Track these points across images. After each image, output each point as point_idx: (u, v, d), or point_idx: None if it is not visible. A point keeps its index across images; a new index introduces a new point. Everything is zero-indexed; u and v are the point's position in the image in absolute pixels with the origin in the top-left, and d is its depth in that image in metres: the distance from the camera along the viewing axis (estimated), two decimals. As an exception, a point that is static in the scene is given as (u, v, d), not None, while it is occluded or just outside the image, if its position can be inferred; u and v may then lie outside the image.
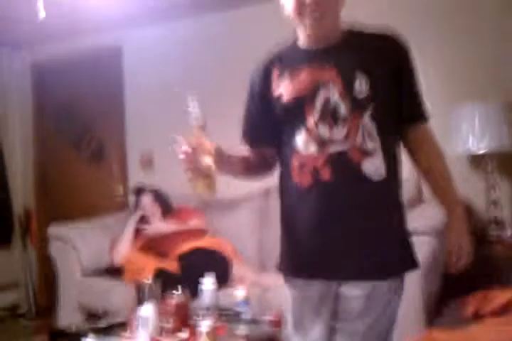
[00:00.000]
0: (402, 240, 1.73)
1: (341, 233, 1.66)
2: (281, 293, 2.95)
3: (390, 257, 1.68)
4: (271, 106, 1.74)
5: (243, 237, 3.77)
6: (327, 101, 1.64)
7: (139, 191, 4.02)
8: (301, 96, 1.66)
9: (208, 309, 2.43)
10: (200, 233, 3.66)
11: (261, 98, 1.78)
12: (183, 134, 1.72)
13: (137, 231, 3.76)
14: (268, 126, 1.77)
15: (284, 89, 1.70)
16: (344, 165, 1.63)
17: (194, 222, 3.78)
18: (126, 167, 4.63)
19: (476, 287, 2.62)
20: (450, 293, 2.66)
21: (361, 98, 1.62)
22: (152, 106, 4.50)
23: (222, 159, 1.75)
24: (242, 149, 1.87)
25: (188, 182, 1.70)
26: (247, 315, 2.46)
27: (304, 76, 1.67)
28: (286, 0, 1.67)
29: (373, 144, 1.62)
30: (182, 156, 1.68)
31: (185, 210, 3.93)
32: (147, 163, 4.53)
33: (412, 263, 1.73)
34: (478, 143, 3.19)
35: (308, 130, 1.65)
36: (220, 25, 4.23)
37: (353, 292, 1.68)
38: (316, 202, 1.66)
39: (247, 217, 3.84)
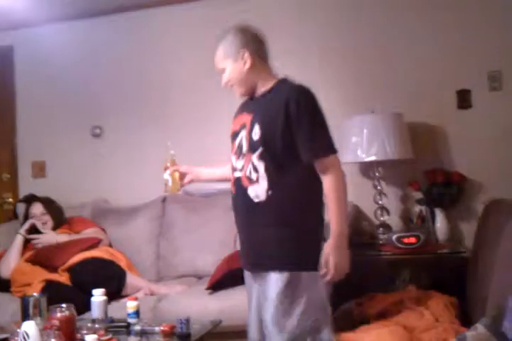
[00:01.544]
0: (279, 246, 2.11)
1: (242, 232, 2.25)
2: (176, 302, 2.98)
3: (266, 258, 2.13)
4: None
5: (140, 246, 3.71)
6: (241, 140, 2.19)
7: (30, 199, 3.86)
8: (233, 133, 2.27)
9: (95, 322, 2.37)
10: (93, 243, 3.53)
11: None
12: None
13: (27, 242, 3.60)
14: None
15: (232, 126, 2.31)
16: (239, 187, 2.18)
17: (87, 232, 3.67)
18: (16, 175, 4.44)
19: (365, 290, 2.72)
20: (341, 297, 2.74)
21: (254, 142, 2.11)
22: (45, 112, 4.35)
23: (194, 173, 2.49)
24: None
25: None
26: (137, 327, 2.40)
27: (240, 117, 2.25)
28: None
29: (256, 175, 2.11)
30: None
31: (78, 220, 3.81)
32: (39, 172, 4.36)
33: (281, 265, 2.09)
34: (366, 152, 3.31)
35: (231, 159, 2.26)
36: (112, 28, 4.21)
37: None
38: (234, 206, 2.27)
39: (145, 226, 3.78)
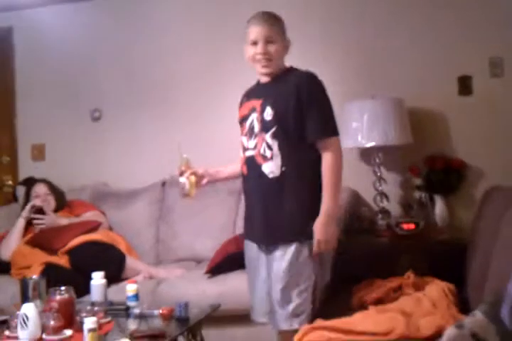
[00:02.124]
0: (291, 219, 2.27)
1: (256, 210, 2.36)
2: (175, 286, 2.99)
3: (279, 230, 2.29)
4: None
5: (140, 230, 3.72)
6: (252, 122, 2.33)
7: (31, 182, 3.86)
8: (242, 117, 2.41)
9: (94, 304, 2.38)
10: (93, 226, 3.54)
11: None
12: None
13: (28, 225, 3.60)
14: None
15: (239, 112, 2.47)
16: (253, 165, 2.33)
17: (87, 215, 3.67)
18: (16, 158, 4.43)
19: (363, 276, 2.73)
20: (340, 282, 2.75)
21: (267, 122, 2.27)
22: (45, 95, 4.33)
23: (210, 175, 2.50)
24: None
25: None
26: (136, 310, 2.42)
27: (248, 104, 2.40)
28: (245, 50, 2.36)
29: (271, 153, 2.26)
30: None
31: (78, 203, 3.81)
32: (39, 155, 4.36)
33: (296, 236, 2.26)
34: (366, 137, 3.30)
35: (242, 140, 2.40)
36: (114, 10, 4.19)
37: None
38: (244, 188, 2.45)
39: (144, 209, 3.79)
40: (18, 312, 2.21)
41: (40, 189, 3.74)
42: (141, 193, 3.84)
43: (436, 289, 2.30)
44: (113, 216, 3.76)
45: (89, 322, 2.07)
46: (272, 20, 2.34)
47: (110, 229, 3.69)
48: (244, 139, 2.37)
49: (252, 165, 2.33)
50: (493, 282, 1.85)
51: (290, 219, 2.28)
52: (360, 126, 3.33)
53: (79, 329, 2.16)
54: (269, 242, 2.32)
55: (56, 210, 3.70)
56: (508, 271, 1.63)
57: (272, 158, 2.26)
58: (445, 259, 2.86)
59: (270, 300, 2.31)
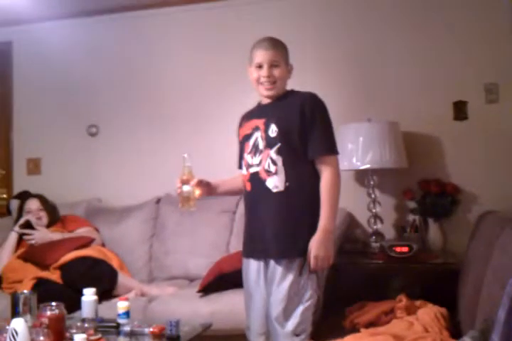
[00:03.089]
0: (294, 233, 2.31)
1: (258, 224, 2.38)
2: (167, 304, 2.98)
3: (283, 244, 2.31)
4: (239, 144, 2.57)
5: (133, 247, 3.71)
6: (256, 140, 2.39)
7: (25, 196, 3.86)
8: (244, 136, 2.47)
9: (85, 321, 2.36)
10: (86, 242, 3.53)
11: (238, 138, 2.59)
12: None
13: (20, 239, 3.59)
14: (241, 156, 2.54)
15: (240, 132, 2.53)
16: (257, 180, 2.38)
17: (80, 231, 3.67)
18: (11, 172, 4.43)
19: (355, 298, 2.73)
20: (332, 304, 2.75)
21: (272, 139, 2.34)
22: (42, 109, 4.35)
23: (208, 186, 2.51)
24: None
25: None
26: (127, 327, 2.40)
27: (249, 123, 2.46)
28: (250, 73, 2.45)
29: (275, 168, 2.32)
30: (177, 186, 2.41)
31: (71, 219, 3.81)
32: (34, 169, 4.36)
33: (295, 253, 2.28)
34: (361, 160, 3.33)
35: (245, 158, 2.45)
36: (111, 27, 4.24)
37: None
38: (247, 204, 2.48)
39: (138, 227, 3.78)
40: (7, 327, 2.19)
41: (32, 204, 3.74)
42: (135, 210, 3.84)
43: (429, 313, 2.30)
44: (106, 232, 3.76)
45: (78, 339, 2.05)
46: (277, 45, 2.43)
47: (103, 245, 3.68)
48: (249, 157, 2.43)
49: (256, 180, 2.38)
50: (484, 307, 1.85)
51: (294, 234, 2.31)
52: (355, 149, 3.36)
53: (68, 345, 2.15)
54: (273, 256, 2.33)
55: (49, 225, 3.69)
56: (498, 296, 1.63)
57: (276, 173, 2.33)
58: (438, 283, 2.86)
59: (269, 320, 2.31)
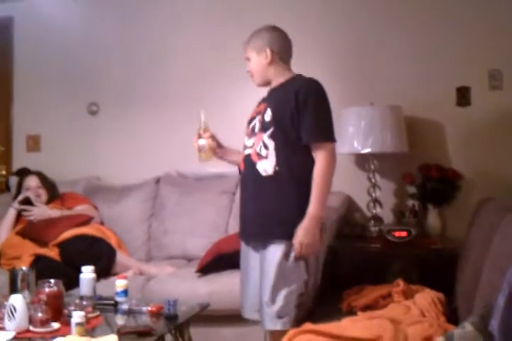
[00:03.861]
0: (282, 218, 2.33)
1: (248, 206, 2.44)
2: (165, 283, 2.99)
3: (269, 228, 2.34)
4: None
5: (131, 226, 3.71)
6: (254, 123, 2.45)
7: (24, 173, 3.85)
8: (250, 118, 2.51)
9: (83, 298, 2.37)
10: (85, 220, 3.53)
11: None
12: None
13: (19, 216, 3.59)
14: None
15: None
16: (249, 162, 2.41)
17: (79, 209, 3.66)
18: (11, 148, 4.41)
19: (353, 282, 2.74)
20: (329, 287, 2.76)
21: (266, 123, 2.37)
22: (43, 86, 4.32)
23: (221, 146, 2.58)
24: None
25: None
26: (125, 306, 2.41)
27: (257, 108, 2.51)
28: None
29: (266, 152, 2.34)
30: (194, 140, 2.51)
31: (71, 196, 3.80)
32: (34, 146, 4.34)
33: (281, 237, 2.31)
34: (363, 144, 3.31)
35: (245, 139, 2.49)
36: (114, 1, 4.20)
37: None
38: (240, 183, 2.56)
39: (137, 206, 3.78)
40: (6, 303, 2.20)
41: (31, 181, 3.73)
42: (134, 189, 3.84)
43: (426, 298, 2.31)
44: (105, 211, 3.75)
45: (77, 316, 2.07)
46: (250, 38, 2.51)
47: (102, 223, 3.68)
48: (246, 139, 2.48)
49: (248, 162, 2.42)
50: (483, 293, 1.85)
51: (281, 218, 2.33)
52: (356, 132, 3.34)
53: (66, 322, 2.16)
54: (259, 240, 2.38)
55: (48, 202, 3.69)
56: (498, 282, 1.63)
57: (266, 157, 2.35)
58: (435, 268, 2.87)
59: (260, 299, 2.34)
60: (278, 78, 2.48)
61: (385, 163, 3.53)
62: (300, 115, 2.32)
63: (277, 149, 2.33)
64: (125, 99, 4.15)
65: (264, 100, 2.52)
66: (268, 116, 2.38)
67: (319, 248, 2.36)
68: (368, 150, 3.32)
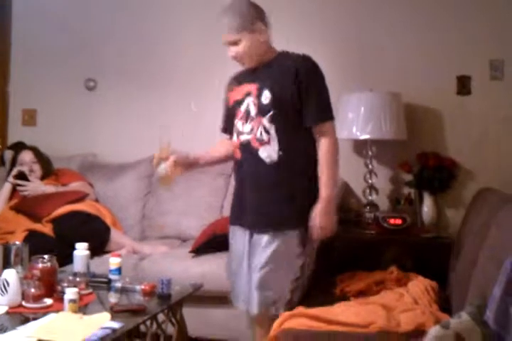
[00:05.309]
0: (284, 205, 2.27)
1: (249, 194, 2.33)
2: (159, 263, 2.99)
3: (271, 216, 2.28)
4: (228, 108, 2.45)
5: (126, 204, 3.70)
6: (247, 106, 2.30)
7: (19, 147, 3.82)
8: (236, 101, 2.36)
9: (76, 275, 2.36)
10: (79, 197, 3.51)
11: (225, 102, 2.49)
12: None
13: (14, 190, 3.57)
14: (228, 120, 2.45)
15: (230, 96, 2.41)
16: (248, 149, 2.30)
17: (74, 185, 3.64)
18: (6, 122, 4.37)
19: (347, 267, 2.75)
20: (323, 272, 2.77)
21: (265, 106, 2.25)
22: (40, 60, 4.26)
23: (188, 162, 2.44)
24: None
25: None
26: (118, 284, 2.41)
27: (240, 88, 2.35)
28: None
29: (268, 137, 2.24)
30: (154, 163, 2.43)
31: (66, 172, 3.77)
32: (29, 120, 4.30)
33: (288, 224, 2.26)
34: (361, 130, 3.30)
35: (235, 125, 2.35)
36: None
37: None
38: (237, 172, 2.42)
39: (133, 184, 3.76)
40: (-1, 278, 2.19)
41: (26, 156, 3.69)
42: (130, 167, 3.81)
43: (419, 286, 2.33)
44: (100, 188, 3.73)
45: (70, 293, 2.06)
46: (232, 22, 2.28)
47: (96, 201, 3.66)
48: (240, 123, 2.34)
49: (247, 149, 2.31)
50: (477, 282, 1.86)
51: (283, 206, 2.28)
52: (355, 118, 3.33)
53: (59, 298, 2.15)
54: (261, 227, 2.31)
55: (42, 178, 3.66)
56: (493, 272, 1.64)
57: (269, 141, 2.25)
58: (429, 257, 2.89)
59: (250, 284, 2.31)
60: (268, 54, 2.34)
61: (383, 150, 3.52)
62: (303, 96, 2.24)
63: (279, 133, 2.24)
64: (123, 75, 4.09)
65: (248, 80, 2.35)
66: (266, 98, 2.25)
67: (336, 230, 2.32)
68: (366, 136, 3.32)
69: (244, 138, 2.32)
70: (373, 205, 3.42)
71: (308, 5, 3.69)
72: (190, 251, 3.05)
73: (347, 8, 3.67)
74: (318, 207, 2.23)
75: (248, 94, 2.31)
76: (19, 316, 2.07)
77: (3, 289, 2.14)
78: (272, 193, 2.28)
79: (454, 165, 3.41)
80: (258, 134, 2.27)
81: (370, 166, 3.43)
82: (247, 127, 2.30)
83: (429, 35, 3.54)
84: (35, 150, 3.75)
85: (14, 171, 3.61)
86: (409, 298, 2.23)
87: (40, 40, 4.26)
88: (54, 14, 4.20)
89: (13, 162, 3.73)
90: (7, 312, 2.08)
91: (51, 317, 2.01)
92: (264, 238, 2.27)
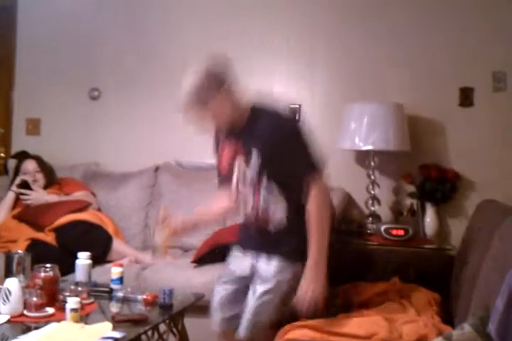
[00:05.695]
0: (295, 238, 2.24)
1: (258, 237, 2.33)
2: (160, 272, 2.99)
3: (281, 246, 2.26)
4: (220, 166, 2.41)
5: (129, 214, 3.71)
6: (240, 167, 2.24)
7: (22, 156, 3.83)
8: (230, 159, 2.29)
9: (78, 284, 2.36)
10: (82, 206, 3.52)
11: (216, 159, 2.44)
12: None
13: (18, 199, 3.58)
14: (223, 178, 2.42)
15: (223, 153, 2.34)
16: (252, 214, 2.29)
17: (77, 195, 3.65)
18: (10, 131, 4.39)
19: (349, 278, 2.74)
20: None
21: (258, 171, 2.20)
22: (45, 70, 4.28)
23: (187, 228, 2.48)
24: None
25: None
26: (120, 293, 2.41)
27: (231, 146, 2.29)
28: None
29: (272, 210, 2.23)
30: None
31: (69, 182, 3.78)
32: (33, 130, 4.31)
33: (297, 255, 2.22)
34: (364, 140, 3.31)
35: (234, 182, 2.29)
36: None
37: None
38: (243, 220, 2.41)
39: (135, 194, 3.77)
40: (0, 286, 2.19)
41: (29, 165, 3.70)
42: (133, 177, 3.82)
43: (422, 298, 2.32)
44: (103, 197, 3.74)
45: (72, 302, 2.06)
46: (190, 91, 2.19)
47: (99, 210, 3.67)
48: (239, 184, 2.29)
49: (251, 214, 2.30)
50: (480, 294, 1.86)
51: (293, 238, 2.25)
52: (358, 129, 3.34)
53: (61, 307, 2.15)
54: (270, 255, 2.28)
55: (46, 187, 3.67)
56: (496, 284, 1.63)
57: (272, 208, 2.24)
58: (431, 268, 2.88)
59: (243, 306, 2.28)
60: (238, 113, 2.25)
61: (386, 161, 3.53)
62: (286, 157, 2.18)
63: (280, 195, 2.22)
64: (127, 85, 4.11)
65: (235, 139, 2.29)
66: (255, 156, 2.19)
67: (325, 294, 2.18)
68: (369, 147, 3.32)
69: (246, 199, 2.29)
70: (376, 216, 3.41)
71: (312, 16, 3.69)
72: (192, 261, 3.04)
73: (352, 19, 3.69)
74: (306, 275, 2.16)
75: (239, 155, 2.26)
76: (21, 325, 2.07)
77: (5, 298, 2.14)
78: (280, 229, 2.27)
79: (456, 177, 3.41)
80: (262, 204, 2.25)
81: (372, 177, 3.43)
82: (248, 191, 2.27)
83: (432, 46, 3.55)
84: (39, 160, 3.77)
85: (17, 180, 3.62)
86: (411, 310, 2.22)
87: (45, 50, 4.27)
88: (58, 24, 4.22)
89: (17, 171, 3.75)
90: (9, 321, 2.08)
91: (53, 326, 2.01)
92: (272, 266, 2.25)
